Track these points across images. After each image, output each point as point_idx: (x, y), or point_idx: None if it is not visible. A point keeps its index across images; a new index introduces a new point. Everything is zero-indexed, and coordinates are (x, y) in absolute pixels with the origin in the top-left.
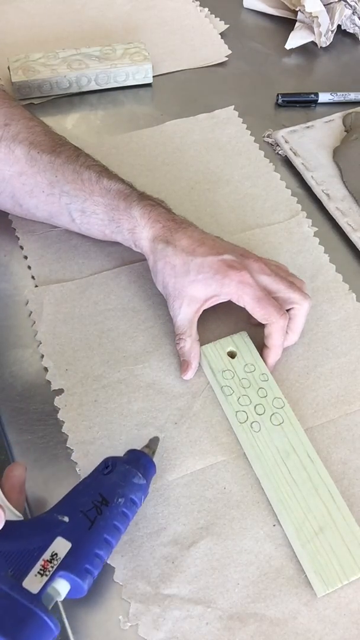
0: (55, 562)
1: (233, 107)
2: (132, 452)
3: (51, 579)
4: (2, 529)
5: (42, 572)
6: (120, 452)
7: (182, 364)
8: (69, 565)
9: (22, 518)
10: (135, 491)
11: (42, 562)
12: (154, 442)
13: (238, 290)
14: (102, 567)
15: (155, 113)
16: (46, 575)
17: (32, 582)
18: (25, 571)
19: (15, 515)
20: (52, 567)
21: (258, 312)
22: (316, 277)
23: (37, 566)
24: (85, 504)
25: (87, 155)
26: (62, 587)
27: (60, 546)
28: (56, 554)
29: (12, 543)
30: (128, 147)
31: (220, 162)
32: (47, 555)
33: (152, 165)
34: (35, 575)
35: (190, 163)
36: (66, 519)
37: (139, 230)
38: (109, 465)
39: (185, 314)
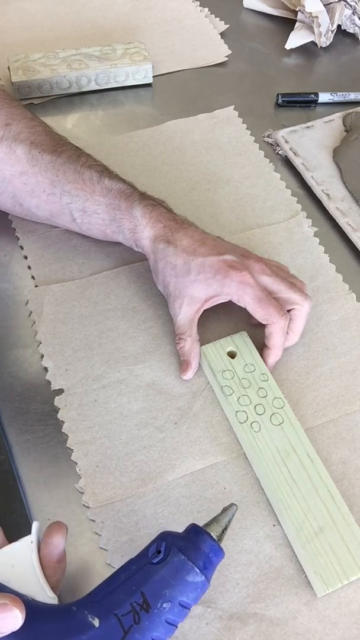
0: None
1: (233, 107)
2: (194, 531)
3: None
4: (27, 620)
5: None
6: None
7: (182, 364)
8: None
9: (57, 601)
10: (187, 592)
11: None
12: (226, 515)
13: (239, 291)
14: None
15: (155, 113)
16: None
17: None
18: None
19: (49, 596)
20: None
21: (259, 313)
22: (316, 277)
23: None
24: (122, 605)
25: (88, 155)
26: None
27: None
28: None
29: None
30: (128, 147)
31: (220, 162)
32: None
33: (152, 165)
34: None
35: (190, 163)
36: (96, 622)
37: (140, 230)
38: (161, 550)
39: (186, 313)
